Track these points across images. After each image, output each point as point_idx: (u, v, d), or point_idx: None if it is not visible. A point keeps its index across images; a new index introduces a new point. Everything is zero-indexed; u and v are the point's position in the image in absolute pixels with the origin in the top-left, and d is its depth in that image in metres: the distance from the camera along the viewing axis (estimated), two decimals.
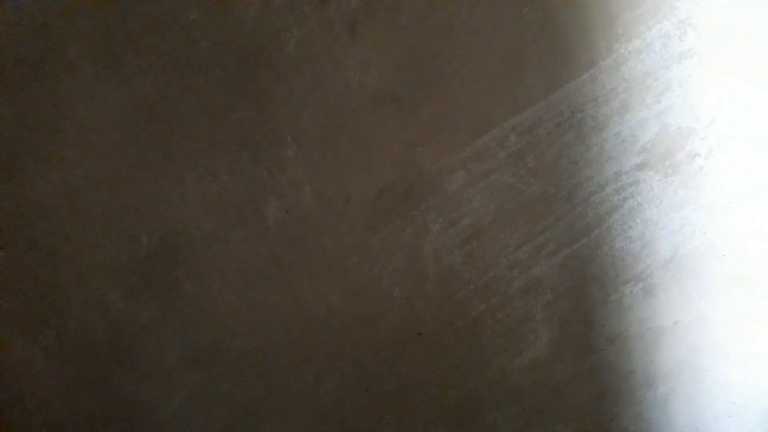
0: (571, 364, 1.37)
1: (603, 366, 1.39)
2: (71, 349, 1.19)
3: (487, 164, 1.16)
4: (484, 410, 1.38)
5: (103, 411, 1.25)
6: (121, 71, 1.00)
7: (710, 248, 1.32)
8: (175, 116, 1.04)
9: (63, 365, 1.20)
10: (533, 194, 1.20)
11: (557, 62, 1.11)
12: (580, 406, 1.43)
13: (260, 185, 1.10)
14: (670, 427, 1.51)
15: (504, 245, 1.24)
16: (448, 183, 1.17)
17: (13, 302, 1.12)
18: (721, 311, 1.39)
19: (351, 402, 1.32)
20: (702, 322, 1.39)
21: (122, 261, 1.13)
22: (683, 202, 1.26)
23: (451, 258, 1.23)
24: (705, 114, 1.20)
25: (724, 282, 1.36)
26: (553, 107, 1.14)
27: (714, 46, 1.15)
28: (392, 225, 1.18)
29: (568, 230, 1.24)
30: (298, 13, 1.01)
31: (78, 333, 1.17)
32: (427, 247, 1.21)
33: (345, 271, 1.20)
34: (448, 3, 1.05)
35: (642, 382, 1.43)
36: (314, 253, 1.17)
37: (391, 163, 1.14)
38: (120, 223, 1.10)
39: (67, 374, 1.21)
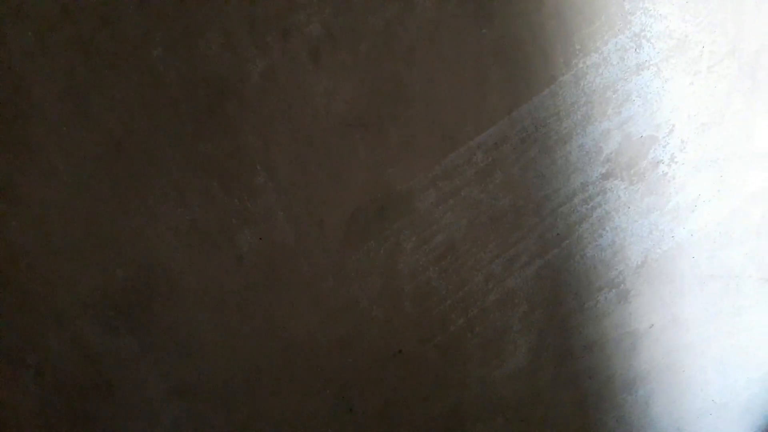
0: (551, 372, 1.39)
1: (582, 372, 1.41)
2: (51, 387, 1.18)
3: (456, 182, 1.19)
4: (468, 423, 1.39)
5: None
6: (87, 109, 1.01)
7: (679, 251, 1.35)
8: (144, 150, 1.05)
9: (44, 403, 1.19)
10: (503, 208, 1.22)
11: (518, 80, 1.14)
12: (563, 413, 1.45)
13: (232, 214, 1.11)
14: (653, 428, 1.53)
15: (478, 259, 1.26)
16: (419, 202, 1.19)
17: None
18: (694, 312, 1.42)
19: (335, 423, 1.32)
20: (676, 324, 1.42)
21: (98, 296, 1.13)
22: (650, 208, 1.30)
23: (426, 275, 1.25)
24: (665, 122, 1.23)
25: (695, 283, 1.39)
26: (516, 123, 1.16)
27: (669, 56, 1.19)
28: (366, 246, 1.20)
29: (540, 241, 1.26)
30: (261, 45, 1.03)
31: (57, 370, 1.17)
32: (402, 265, 1.23)
33: (322, 294, 1.21)
34: (408, 28, 1.07)
35: (622, 386, 1.45)
36: (290, 278, 1.18)
37: (362, 185, 1.16)
38: (94, 259, 1.10)
39: (48, 412, 1.21)
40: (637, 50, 1.17)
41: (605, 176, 1.24)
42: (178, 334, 1.18)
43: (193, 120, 1.05)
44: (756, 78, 1.25)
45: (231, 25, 1.01)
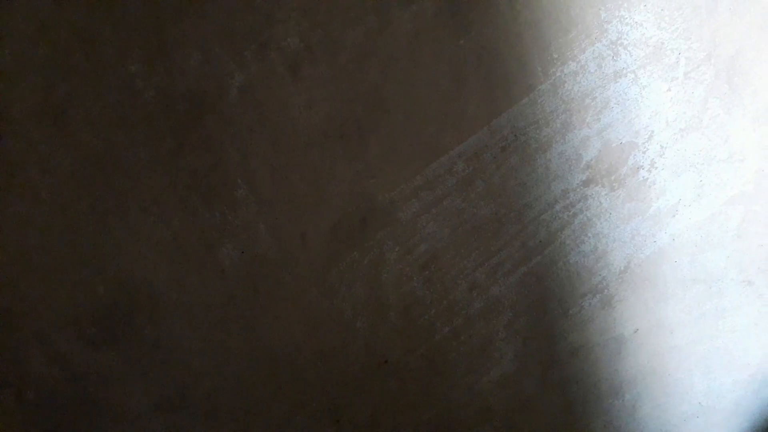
0: (538, 379, 1.40)
1: (569, 378, 1.42)
2: (34, 406, 1.17)
3: (438, 191, 1.19)
4: (456, 431, 1.40)
5: None
6: (66, 126, 1.01)
7: (661, 256, 1.36)
8: (123, 166, 1.05)
9: (26, 422, 1.18)
10: (485, 217, 1.23)
11: (497, 89, 1.15)
12: (550, 419, 1.45)
13: (213, 228, 1.11)
14: None
15: (461, 268, 1.26)
16: (401, 212, 1.19)
17: None
18: (677, 316, 1.43)
19: None
20: (661, 328, 1.43)
21: (80, 313, 1.12)
22: (631, 214, 1.30)
23: (410, 284, 1.25)
24: (644, 128, 1.24)
25: (677, 287, 1.40)
26: (496, 132, 1.17)
27: (646, 63, 1.20)
28: (350, 257, 1.20)
29: (522, 249, 1.27)
30: (239, 59, 1.03)
31: (39, 389, 1.16)
32: (386, 275, 1.23)
33: (306, 306, 1.21)
34: (387, 39, 1.08)
35: (608, 391, 1.46)
36: (274, 291, 1.18)
37: (343, 196, 1.16)
38: (75, 276, 1.10)
39: (31, 430, 1.19)
40: (615, 58, 1.18)
41: (586, 183, 1.25)
42: (162, 349, 1.18)
43: (172, 135, 1.05)
44: (732, 83, 1.26)
45: (208, 39, 1.02)
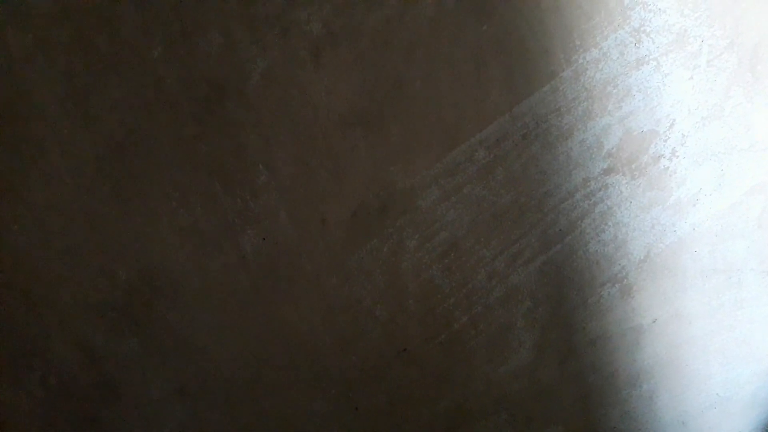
0: (555, 368, 1.39)
1: (586, 368, 1.41)
2: (56, 390, 1.18)
3: (458, 179, 1.18)
4: (472, 420, 1.39)
5: None
6: (88, 111, 1.01)
7: (681, 245, 1.35)
8: (145, 151, 1.05)
9: (48, 406, 1.19)
10: (505, 205, 1.22)
11: (519, 76, 1.14)
12: (567, 409, 1.44)
13: (235, 214, 1.11)
14: (657, 422, 1.53)
15: (481, 257, 1.25)
16: (421, 199, 1.19)
17: None
18: (696, 306, 1.42)
19: (340, 422, 1.32)
20: (679, 318, 1.42)
21: (101, 298, 1.13)
22: (652, 203, 1.30)
23: (429, 273, 1.25)
24: (665, 117, 1.23)
25: (697, 277, 1.39)
26: (517, 120, 1.16)
27: (669, 51, 1.19)
28: (369, 244, 1.20)
29: (542, 238, 1.26)
30: (262, 44, 1.03)
31: (61, 373, 1.17)
32: (406, 263, 1.23)
33: (325, 293, 1.21)
34: (409, 26, 1.07)
35: (626, 381, 1.45)
36: (293, 277, 1.18)
37: (363, 183, 1.16)
38: (96, 261, 1.10)
39: (53, 415, 1.20)
40: (637, 45, 1.17)
41: (607, 171, 1.24)
42: (182, 335, 1.18)
43: (193, 120, 1.05)
44: (755, 71, 1.25)
45: (231, 24, 1.01)
